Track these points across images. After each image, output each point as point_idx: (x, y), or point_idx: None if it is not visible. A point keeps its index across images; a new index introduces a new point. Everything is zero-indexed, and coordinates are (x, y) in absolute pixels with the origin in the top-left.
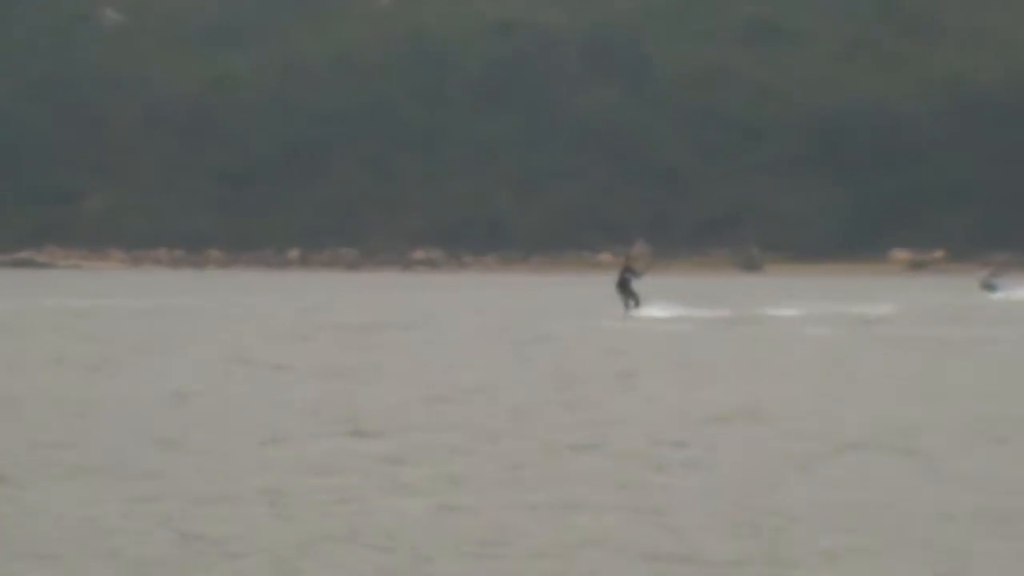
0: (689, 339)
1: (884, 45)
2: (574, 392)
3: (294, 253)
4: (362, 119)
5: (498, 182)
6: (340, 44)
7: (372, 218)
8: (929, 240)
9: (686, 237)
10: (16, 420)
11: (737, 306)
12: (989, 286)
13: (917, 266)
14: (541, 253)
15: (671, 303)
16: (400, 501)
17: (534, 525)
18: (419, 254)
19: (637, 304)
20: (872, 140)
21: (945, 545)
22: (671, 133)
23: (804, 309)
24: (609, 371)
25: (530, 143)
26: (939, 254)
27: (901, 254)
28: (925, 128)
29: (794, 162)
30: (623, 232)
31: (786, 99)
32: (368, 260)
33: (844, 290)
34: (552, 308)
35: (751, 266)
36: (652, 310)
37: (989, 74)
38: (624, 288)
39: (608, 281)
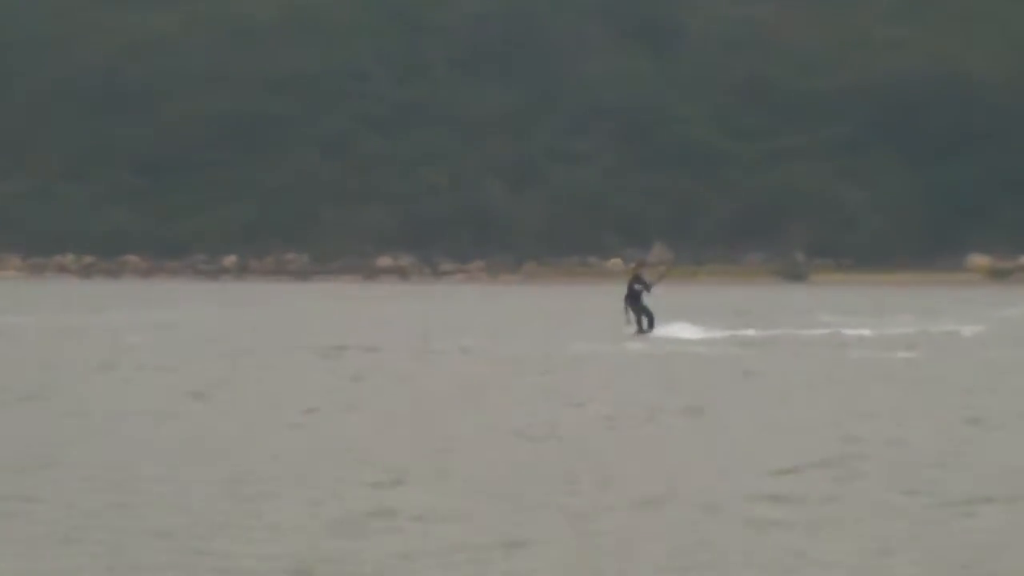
0: (746, 365)
1: None
2: (631, 432)
3: (230, 259)
4: (319, 92)
5: (486, 170)
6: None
7: (327, 215)
8: (1015, 242)
9: (715, 239)
10: None
11: (790, 324)
12: None
13: (1000, 275)
14: (538, 259)
15: (704, 320)
16: (463, 568)
17: None
18: (385, 260)
19: (651, 323)
20: (945, 117)
21: None
22: (700, 110)
23: (876, 328)
24: (666, 405)
25: (527, 122)
26: None
27: (980, 260)
28: (1012, 102)
29: (849, 146)
30: (639, 233)
31: (841, 68)
32: (322, 268)
33: (916, 304)
34: (562, 326)
35: (794, 275)
36: (680, 329)
37: None
38: (634, 302)
39: (621, 292)
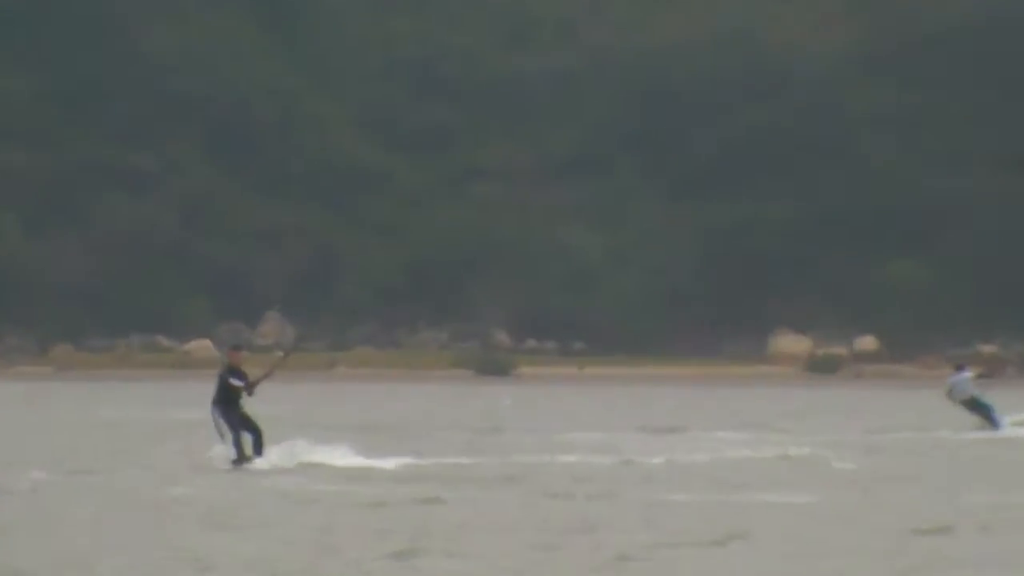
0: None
1: None
2: None
3: None
4: None
5: None
6: None
7: None
8: (843, 315)
9: (368, 309)
10: None
11: (517, 447)
12: (973, 402)
13: (822, 367)
14: (74, 341)
15: (378, 440)
16: None
17: None
18: None
19: (258, 444)
20: (732, 124)
21: None
22: (344, 106)
23: (667, 452)
24: None
25: (55, 123)
26: (868, 343)
27: (792, 343)
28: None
29: (585, 168)
30: (244, 299)
31: (561, 41)
32: None
33: (692, 413)
34: (130, 446)
35: (493, 367)
36: (322, 454)
37: None
38: (228, 411)
39: (208, 392)
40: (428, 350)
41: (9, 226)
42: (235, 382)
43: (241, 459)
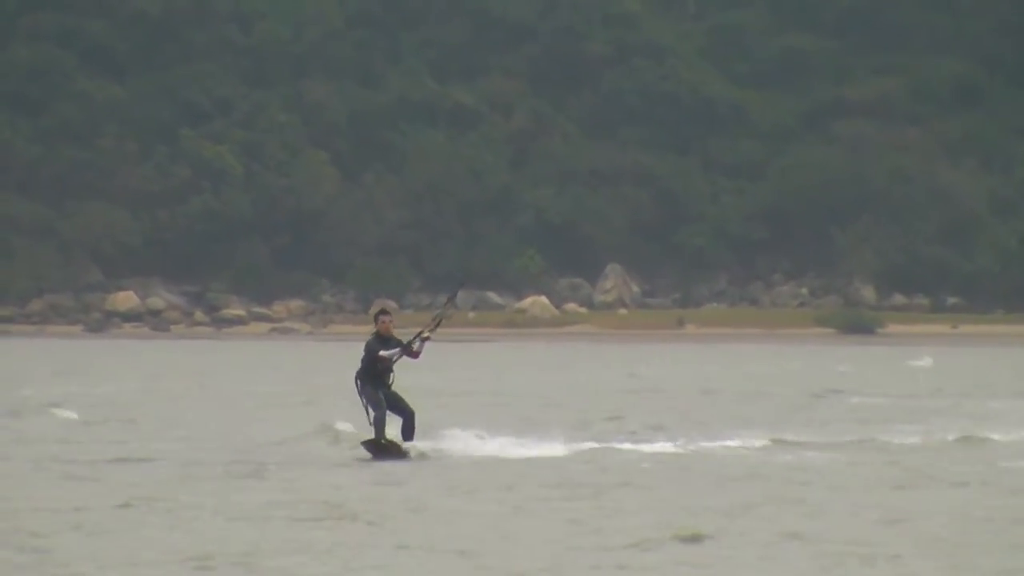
0: None
1: None
2: None
3: None
4: None
5: None
6: None
7: None
8: None
9: (717, 262)
10: None
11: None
12: None
13: None
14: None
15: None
16: None
17: None
18: None
19: (411, 427)
20: None
21: None
22: (683, 36)
23: None
24: None
25: None
26: None
27: None
28: None
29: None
30: (585, 249)
31: None
32: None
33: None
34: None
35: (855, 325)
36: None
37: None
38: (372, 385)
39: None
40: (786, 308)
41: (320, 169)
42: (384, 353)
43: (378, 446)
